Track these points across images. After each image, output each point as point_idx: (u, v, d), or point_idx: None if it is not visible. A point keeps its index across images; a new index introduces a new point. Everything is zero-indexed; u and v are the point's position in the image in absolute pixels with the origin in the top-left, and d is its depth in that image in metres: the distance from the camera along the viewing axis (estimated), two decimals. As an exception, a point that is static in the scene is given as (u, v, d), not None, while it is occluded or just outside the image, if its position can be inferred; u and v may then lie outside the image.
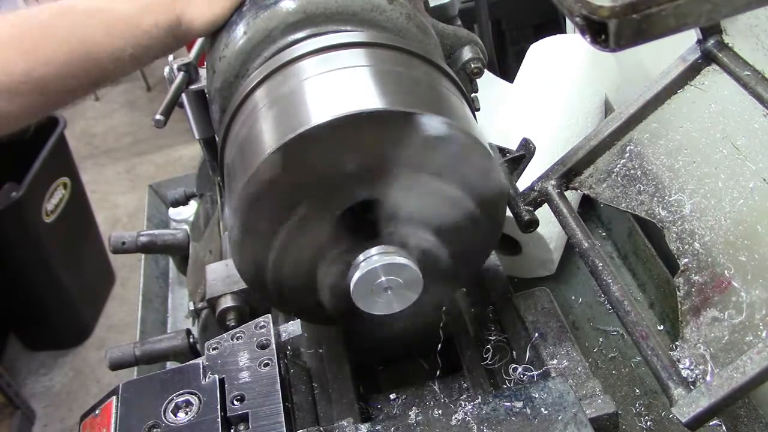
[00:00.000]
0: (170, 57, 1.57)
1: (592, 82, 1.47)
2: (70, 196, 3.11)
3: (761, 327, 0.77)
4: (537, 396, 0.84)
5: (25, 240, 2.88)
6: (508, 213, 1.00)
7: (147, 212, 2.02)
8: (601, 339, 1.22)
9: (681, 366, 0.80)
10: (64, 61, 0.89)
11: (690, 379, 0.78)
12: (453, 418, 0.82)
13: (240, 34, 0.93)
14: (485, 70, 1.05)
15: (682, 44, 1.00)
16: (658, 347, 0.81)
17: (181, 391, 0.83)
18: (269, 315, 0.93)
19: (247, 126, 0.87)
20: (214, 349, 0.89)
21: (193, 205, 1.85)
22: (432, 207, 0.87)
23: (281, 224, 0.85)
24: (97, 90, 1.02)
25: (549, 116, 1.41)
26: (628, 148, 1.01)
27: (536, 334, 1.02)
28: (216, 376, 0.84)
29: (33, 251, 2.92)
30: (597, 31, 0.58)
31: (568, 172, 1.04)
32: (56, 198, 3.01)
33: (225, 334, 0.91)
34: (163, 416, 0.81)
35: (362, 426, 0.85)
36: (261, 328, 0.91)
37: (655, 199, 0.95)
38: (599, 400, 0.91)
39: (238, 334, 0.90)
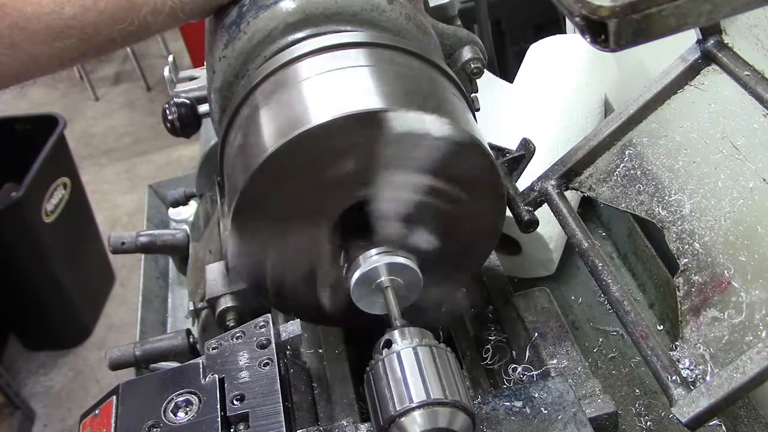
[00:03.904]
0: (170, 57, 1.59)
1: (592, 82, 1.47)
2: (70, 196, 3.11)
3: (761, 327, 0.77)
4: (537, 396, 0.84)
5: (25, 240, 2.88)
6: (508, 213, 1.00)
7: (147, 212, 2.02)
8: (601, 339, 1.22)
9: (681, 366, 0.80)
10: (107, 7, 0.88)
11: (690, 379, 0.78)
12: (453, 417, 0.82)
13: (240, 34, 0.93)
14: (485, 70, 1.05)
15: (682, 44, 1.00)
16: (658, 347, 0.81)
17: (181, 391, 0.83)
18: (269, 315, 0.93)
19: (247, 126, 0.87)
20: (214, 348, 0.89)
21: (193, 205, 1.84)
22: (431, 206, 0.87)
23: (281, 224, 0.85)
24: (132, 44, 1.02)
25: (549, 116, 1.41)
26: (627, 149, 1.01)
27: (536, 334, 1.02)
28: (216, 375, 0.84)
29: (33, 251, 2.92)
30: (597, 31, 0.58)
31: (568, 172, 1.04)
32: (56, 198, 3.01)
33: (225, 334, 0.91)
34: (162, 416, 0.81)
35: (362, 426, 0.85)
36: (261, 327, 0.91)
37: (655, 199, 0.95)
38: (599, 400, 0.91)
39: (237, 334, 0.90)
